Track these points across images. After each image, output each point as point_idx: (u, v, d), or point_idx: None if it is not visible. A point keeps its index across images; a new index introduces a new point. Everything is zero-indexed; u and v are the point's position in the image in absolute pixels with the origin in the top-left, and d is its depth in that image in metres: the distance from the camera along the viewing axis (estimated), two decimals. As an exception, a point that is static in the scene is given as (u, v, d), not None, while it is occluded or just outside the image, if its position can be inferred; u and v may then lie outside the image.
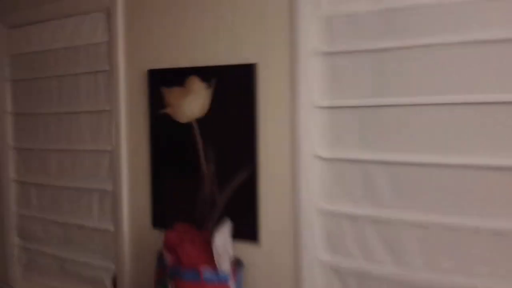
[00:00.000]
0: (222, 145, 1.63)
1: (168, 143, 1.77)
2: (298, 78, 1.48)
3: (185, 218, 1.72)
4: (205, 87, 1.65)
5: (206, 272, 1.45)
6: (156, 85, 1.78)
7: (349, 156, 1.43)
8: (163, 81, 1.77)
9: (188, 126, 1.70)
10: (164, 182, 1.78)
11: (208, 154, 1.66)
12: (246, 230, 1.59)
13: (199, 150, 1.68)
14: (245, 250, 1.61)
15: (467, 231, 1.28)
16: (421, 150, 1.33)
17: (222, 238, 1.49)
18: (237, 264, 1.56)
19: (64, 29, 2.09)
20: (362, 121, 1.41)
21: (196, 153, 1.69)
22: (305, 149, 1.48)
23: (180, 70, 1.72)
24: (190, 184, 1.71)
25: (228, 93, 1.61)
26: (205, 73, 1.65)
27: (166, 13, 1.78)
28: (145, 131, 1.85)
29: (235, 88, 1.59)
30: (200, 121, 1.67)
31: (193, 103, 1.68)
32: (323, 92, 1.47)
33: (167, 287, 1.50)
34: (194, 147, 1.69)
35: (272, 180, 1.55)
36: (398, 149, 1.36)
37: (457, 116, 1.28)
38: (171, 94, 1.74)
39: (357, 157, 1.42)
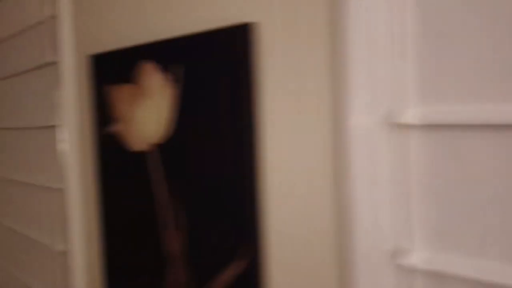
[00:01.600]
0: (199, 202, 0.79)
1: (118, 194, 0.97)
2: (346, 53, 0.59)
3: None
4: (167, 80, 0.82)
5: None
6: (101, 81, 0.99)
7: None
8: (107, 74, 0.97)
9: (142, 159, 0.89)
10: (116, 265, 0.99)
11: (180, 221, 0.84)
12: None
13: (164, 215, 0.86)
14: None
15: None
16: None
17: None
18: None
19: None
20: None
21: (154, 219, 0.88)
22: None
23: (128, 52, 0.90)
24: (149, 273, 0.90)
25: (207, 87, 0.76)
26: (165, 53, 0.82)
27: None
28: (89, 167, 1.07)
29: (215, 76, 0.74)
30: (163, 149, 0.85)
31: (149, 114, 0.86)
32: (406, 87, 0.56)
33: None
34: (153, 209, 0.88)
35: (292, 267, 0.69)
36: None
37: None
38: (118, 97, 0.94)
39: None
